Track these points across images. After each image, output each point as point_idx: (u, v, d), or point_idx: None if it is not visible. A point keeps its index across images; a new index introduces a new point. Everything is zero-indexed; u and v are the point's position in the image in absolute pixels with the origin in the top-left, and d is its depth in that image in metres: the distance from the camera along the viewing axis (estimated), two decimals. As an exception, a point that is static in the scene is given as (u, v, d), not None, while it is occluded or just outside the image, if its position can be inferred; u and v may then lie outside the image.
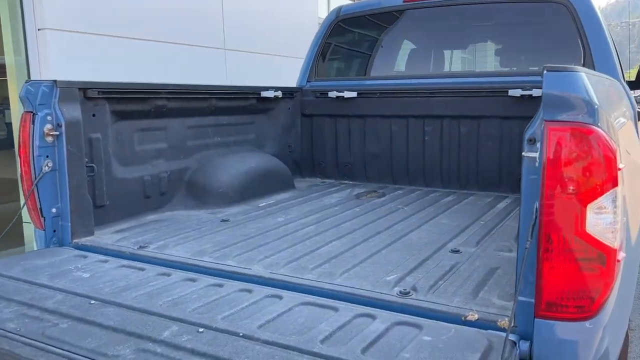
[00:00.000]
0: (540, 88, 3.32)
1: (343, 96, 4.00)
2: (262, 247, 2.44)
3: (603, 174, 1.41)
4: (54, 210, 2.55)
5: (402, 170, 3.94)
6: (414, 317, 1.68)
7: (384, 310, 1.73)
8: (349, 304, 1.79)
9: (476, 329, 1.60)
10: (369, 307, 1.75)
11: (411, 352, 1.44)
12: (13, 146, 4.69)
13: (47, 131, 2.51)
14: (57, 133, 2.52)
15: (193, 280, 2.02)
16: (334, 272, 2.08)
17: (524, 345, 1.54)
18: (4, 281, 2.05)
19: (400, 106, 3.85)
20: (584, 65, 3.34)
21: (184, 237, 2.63)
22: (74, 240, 2.56)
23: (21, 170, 2.55)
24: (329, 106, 4.12)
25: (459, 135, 3.70)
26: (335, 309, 1.73)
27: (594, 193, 1.41)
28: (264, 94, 3.83)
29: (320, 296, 1.86)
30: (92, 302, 1.82)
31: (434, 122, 3.77)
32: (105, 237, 2.66)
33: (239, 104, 3.71)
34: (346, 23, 4.25)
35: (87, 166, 2.65)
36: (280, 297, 1.84)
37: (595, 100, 1.46)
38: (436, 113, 3.74)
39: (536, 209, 1.48)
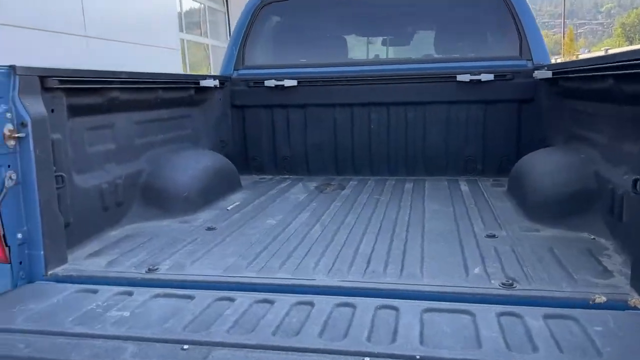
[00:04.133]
0: (488, 72, 3.36)
1: (283, 85, 3.73)
2: (296, 253, 2.14)
3: None
4: (19, 235, 1.95)
5: (347, 160, 3.82)
6: (551, 308, 1.60)
7: (504, 306, 1.62)
8: (478, 305, 1.64)
9: (627, 311, 1.57)
10: (503, 306, 1.62)
11: (612, 346, 1.36)
12: None
13: (7, 133, 1.89)
14: (21, 135, 1.92)
15: (271, 302, 1.69)
16: (414, 273, 1.91)
17: None
18: (17, 338, 1.49)
19: (345, 94, 3.72)
20: (520, 52, 3.57)
21: (187, 253, 2.20)
22: (49, 272, 1.99)
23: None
24: (264, 96, 3.82)
25: (406, 122, 3.69)
26: (472, 314, 1.57)
27: None
28: (204, 83, 3.41)
29: (437, 300, 1.68)
30: (185, 347, 1.41)
31: (380, 110, 3.71)
32: (83, 262, 2.11)
33: (179, 95, 3.25)
34: (273, 7, 3.96)
35: (56, 176, 2.07)
36: (396, 309, 1.61)
37: None
38: (382, 100, 3.68)
39: None
